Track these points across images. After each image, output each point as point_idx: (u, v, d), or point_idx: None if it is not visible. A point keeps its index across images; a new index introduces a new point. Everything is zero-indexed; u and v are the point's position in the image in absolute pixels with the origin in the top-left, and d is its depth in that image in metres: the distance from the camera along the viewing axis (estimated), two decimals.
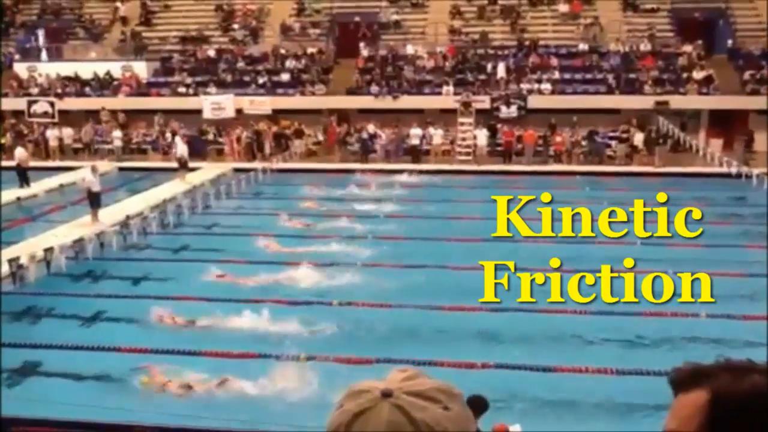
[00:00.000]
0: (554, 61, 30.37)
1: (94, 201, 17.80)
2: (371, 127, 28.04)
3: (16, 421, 3.75)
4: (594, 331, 11.22)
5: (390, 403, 1.00)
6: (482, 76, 29.92)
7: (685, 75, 29.08)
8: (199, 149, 16.51)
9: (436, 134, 27.95)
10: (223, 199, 21.88)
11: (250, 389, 9.31)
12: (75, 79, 31.65)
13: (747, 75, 28.92)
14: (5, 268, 13.43)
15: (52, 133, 29.01)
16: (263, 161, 26.89)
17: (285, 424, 8.41)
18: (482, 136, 27.45)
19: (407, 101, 29.04)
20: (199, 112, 29.14)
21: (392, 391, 1.01)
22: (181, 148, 24.67)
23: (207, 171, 25.70)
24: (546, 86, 29.17)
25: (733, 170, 24.14)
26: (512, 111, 28.41)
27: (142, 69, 31.95)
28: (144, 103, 30.32)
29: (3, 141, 28.72)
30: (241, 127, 28.94)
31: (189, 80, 31.08)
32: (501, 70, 29.77)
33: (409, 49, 31.57)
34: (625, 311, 11.89)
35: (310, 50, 32.21)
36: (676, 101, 28.03)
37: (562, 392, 9.36)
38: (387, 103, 29.09)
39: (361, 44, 32.01)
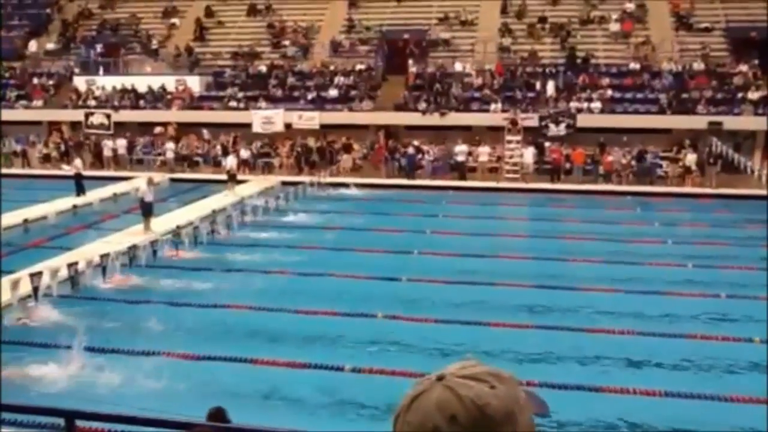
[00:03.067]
0: (605, 80, 30.06)
1: (147, 210, 18.26)
2: (416, 143, 28.15)
3: (82, 414, 3.87)
4: (643, 353, 10.98)
5: (442, 385, 1.10)
6: (531, 94, 29.78)
7: (740, 95, 28.47)
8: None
9: (483, 152, 27.88)
10: (270, 211, 22.16)
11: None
12: (131, 92, 32.53)
13: None
14: (63, 272, 13.83)
15: (107, 144, 29.87)
16: (311, 175, 27.18)
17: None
18: (529, 154, 27.30)
19: (454, 118, 29.06)
20: (249, 125, 29.65)
21: (445, 375, 1.12)
22: (230, 161, 25.14)
23: (255, 183, 26.10)
24: (596, 105, 28.87)
25: None
26: (561, 129, 28.18)
27: (195, 83, 32.69)
28: (196, 117, 30.97)
29: (52, 152, 29.76)
30: (290, 141, 29.35)
31: (240, 95, 31.66)
32: (550, 88, 29.59)
33: (458, 67, 31.63)
34: (675, 333, 11.68)
35: (358, 66, 32.52)
36: (730, 122, 27.44)
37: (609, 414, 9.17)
38: (434, 119, 29.16)
39: (410, 61, 32.18)
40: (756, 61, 29.68)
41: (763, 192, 24.34)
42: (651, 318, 12.50)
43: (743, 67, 29.57)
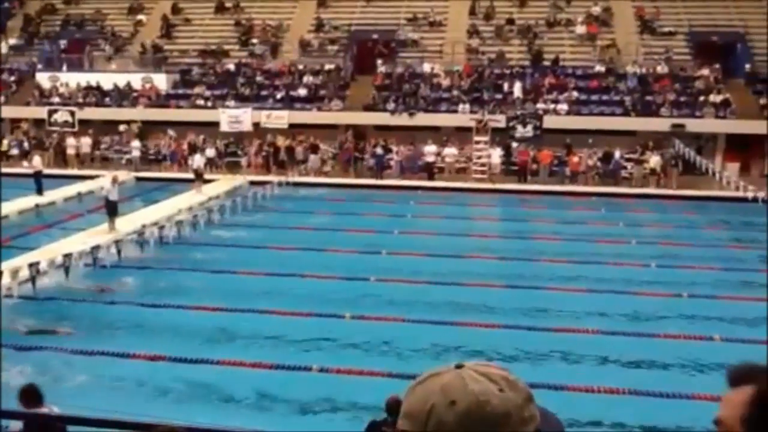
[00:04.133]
0: (571, 82, 30.44)
1: (112, 210, 18.01)
2: (382, 142, 28.21)
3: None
4: (608, 352, 11.15)
5: (456, 372, 1.14)
6: (498, 95, 30.02)
7: (702, 98, 29.05)
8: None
9: (451, 152, 28.04)
10: (239, 211, 22.02)
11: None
12: (96, 89, 32.04)
13: (765, 99, 28.85)
14: (25, 272, 13.57)
15: (71, 143, 29.37)
16: (279, 175, 27.06)
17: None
18: (496, 154, 27.54)
19: (423, 119, 29.17)
20: (216, 124, 29.41)
21: (464, 365, 1.15)
22: (198, 160, 24.91)
23: (223, 183, 25.90)
24: (562, 107, 29.22)
25: (750, 195, 24.03)
26: (528, 130, 28.46)
27: (161, 81, 32.31)
28: (163, 115, 30.62)
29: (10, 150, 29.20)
30: (258, 141, 29.20)
31: (208, 93, 31.39)
32: (517, 90, 29.87)
33: (426, 67, 31.77)
34: (637, 332, 11.89)
35: (327, 66, 32.46)
36: (693, 124, 27.99)
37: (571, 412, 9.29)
38: (403, 120, 29.24)
39: (379, 61, 32.23)
40: (717, 65, 30.32)
41: (723, 193, 24.90)
42: (615, 317, 12.70)
43: (705, 71, 30.18)
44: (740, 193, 24.35)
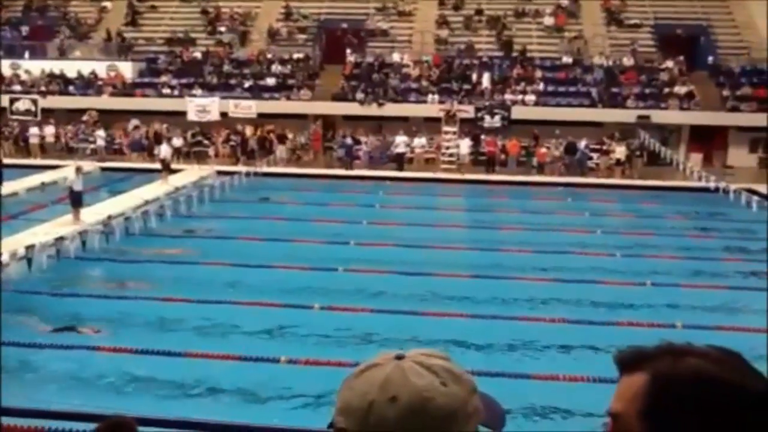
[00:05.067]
0: (538, 73, 30.66)
1: (76, 200, 17.71)
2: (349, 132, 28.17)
3: None
4: (573, 340, 11.31)
5: (396, 364, 1.08)
6: (467, 86, 30.13)
7: (666, 90, 29.49)
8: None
9: (420, 142, 28.11)
10: (206, 201, 21.83)
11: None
12: (59, 77, 31.44)
13: (727, 91, 29.41)
14: None
15: (33, 132, 28.81)
16: (247, 165, 26.87)
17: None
18: (464, 145, 27.67)
19: (392, 109, 29.17)
20: (183, 113, 29.07)
21: (404, 356, 1.10)
22: (164, 150, 24.61)
23: (190, 173, 25.64)
24: (530, 97, 29.44)
25: (712, 185, 24.51)
26: (496, 121, 28.63)
27: (127, 69, 31.82)
28: (128, 104, 30.18)
29: None
30: (226, 130, 28.94)
31: (174, 82, 31.00)
32: (486, 81, 30.00)
33: (395, 57, 31.74)
34: (602, 321, 12.07)
35: (296, 55, 32.26)
36: (658, 116, 28.42)
37: (536, 399, 9.42)
38: (372, 110, 29.21)
39: (348, 51, 32.12)
40: (682, 58, 30.79)
41: (687, 184, 25.35)
42: (581, 306, 12.87)
43: (670, 63, 30.64)
44: (703, 183, 24.80)
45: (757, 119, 27.88)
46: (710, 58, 31.30)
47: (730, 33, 32.54)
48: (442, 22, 33.57)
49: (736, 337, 10.76)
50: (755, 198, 22.46)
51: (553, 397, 9.36)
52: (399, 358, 1.09)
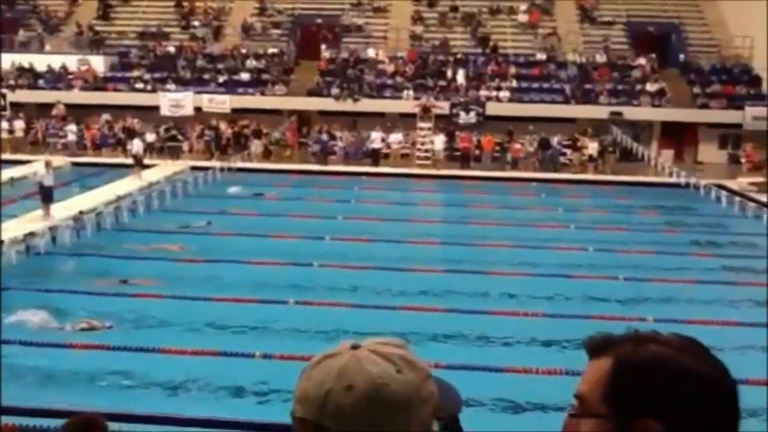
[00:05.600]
0: (512, 70, 30.84)
1: (46, 195, 17.45)
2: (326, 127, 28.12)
3: None
4: (546, 334, 11.42)
5: (352, 353, 1.10)
6: (442, 82, 30.21)
7: (638, 87, 29.84)
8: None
9: (395, 138, 28.14)
10: (179, 197, 21.64)
11: None
12: (28, 71, 30.92)
13: (697, 89, 29.84)
14: None
15: (2, 126, 28.30)
16: (221, 160, 26.69)
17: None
18: (439, 141, 27.76)
19: (367, 104, 29.15)
20: (156, 108, 28.77)
21: (360, 346, 1.12)
22: (137, 145, 24.35)
23: (163, 168, 25.39)
24: (504, 94, 29.60)
25: (683, 180, 24.86)
26: (471, 117, 28.76)
27: (99, 63, 31.39)
28: (100, 98, 29.79)
29: None
30: (200, 126, 28.71)
31: (147, 76, 30.66)
32: (460, 77, 30.10)
33: (370, 53, 31.71)
34: (575, 314, 12.19)
35: (270, 50, 32.08)
36: (630, 112, 28.74)
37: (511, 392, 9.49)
38: (347, 105, 29.17)
39: (323, 46, 32.02)
40: (653, 55, 31.16)
41: (659, 179, 25.69)
42: (554, 300, 13.00)
43: (642, 61, 30.99)
44: (674, 179, 25.15)
45: (727, 116, 28.36)
46: (681, 56, 31.72)
47: (701, 31, 33.01)
48: (417, 18, 33.60)
49: (706, 331, 10.94)
50: (724, 193, 22.83)
51: (528, 390, 9.44)
52: (355, 347, 1.12)
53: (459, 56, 31.61)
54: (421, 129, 28.02)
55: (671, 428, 1.05)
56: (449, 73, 30.55)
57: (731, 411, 1.09)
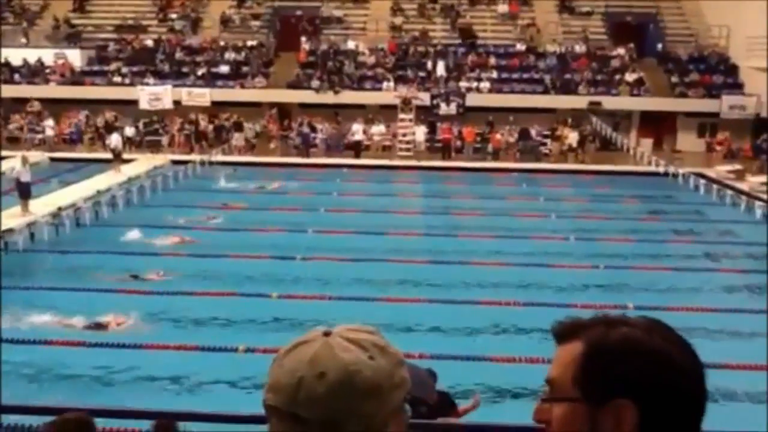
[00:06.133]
0: (492, 61, 30.89)
1: (24, 191, 17.25)
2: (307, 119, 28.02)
3: None
4: (529, 322, 11.50)
5: (324, 340, 1.10)
6: (422, 74, 30.20)
7: (617, 77, 30.02)
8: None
9: (377, 130, 28.11)
10: (159, 191, 21.49)
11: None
12: (4, 65, 30.47)
13: (675, 78, 30.08)
14: None
15: None
16: (202, 153, 26.52)
17: None
18: (420, 132, 27.78)
19: (348, 96, 29.07)
20: (135, 102, 28.51)
21: (332, 332, 1.12)
22: (115, 139, 24.10)
23: (143, 162, 25.19)
24: (484, 85, 29.65)
25: (661, 169, 25.09)
26: (452, 108, 28.80)
27: (76, 57, 31.01)
28: (78, 92, 29.45)
29: None
30: (180, 119, 28.50)
31: (125, 70, 30.35)
32: (441, 68, 30.10)
33: (350, 45, 31.60)
34: (557, 303, 12.29)
35: (250, 43, 31.87)
36: (609, 102, 28.92)
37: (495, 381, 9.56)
38: (328, 97, 29.07)
39: (303, 38, 31.86)
40: (632, 45, 31.36)
41: (638, 168, 25.91)
42: (536, 289, 13.08)
43: (620, 51, 31.18)
44: (653, 168, 25.38)
45: (704, 105, 28.63)
46: (659, 46, 31.95)
47: (678, 21, 33.25)
48: (397, 9, 33.52)
49: (685, 317, 11.09)
50: (702, 182, 23.09)
51: (512, 379, 9.51)
52: (327, 334, 1.12)
53: (439, 47, 31.61)
54: (402, 120, 28.02)
55: (644, 408, 1.06)
56: (429, 65, 30.54)
57: (700, 391, 1.11)
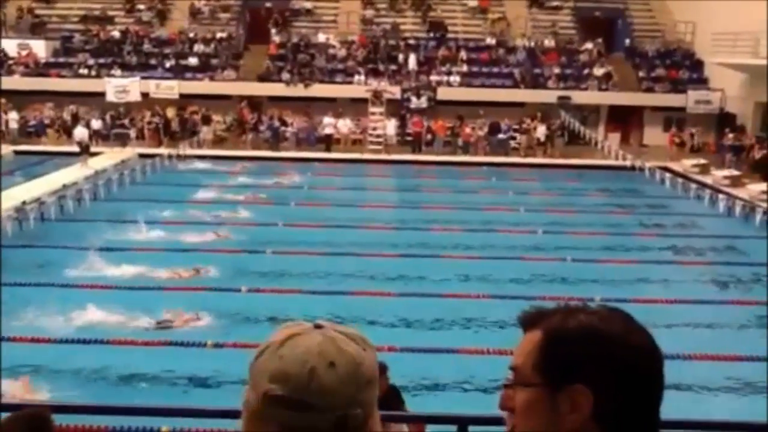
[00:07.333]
0: (463, 54, 31.00)
1: None
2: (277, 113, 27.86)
3: None
4: (498, 315, 11.60)
5: (321, 333, 1.15)
6: (393, 67, 30.19)
7: (586, 71, 30.33)
8: None
9: (345, 123, 28.06)
10: (126, 185, 21.23)
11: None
12: None
13: (642, 73, 30.48)
14: None
15: None
16: (170, 147, 26.24)
17: None
18: (391, 126, 27.80)
19: (319, 89, 28.97)
20: (102, 95, 28.09)
21: (323, 325, 1.17)
22: (81, 132, 23.75)
23: (110, 156, 24.84)
24: (455, 78, 29.75)
25: (629, 163, 25.43)
26: (422, 102, 28.85)
27: (40, 48, 30.45)
28: (43, 84, 28.93)
29: None
30: (148, 112, 28.15)
31: (92, 62, 29.87)
32: (412, 62, 30.13)
33: (321, 38, 31.47)
34: (526, 295, 12.41)
35: (219, 35, 31.58)
36: (578, 96, 29.22)
37: (465, 373, 9.64)
38: (298, 90, 28.93)
39: (273, 30, 31.65)
40: (600, 40, 31.68)
41: (605, 162, 26.22)
42: (504, 282, 13.20)
43: (589, 45, 31.49)
44: (621, 162, 25.71)
45: (671, 99, 29.07)
46: (627, 41, 32.33)
47: (645, 16, 33.67)
48: (368, 3, 33.44)
49: (652, 309, 11.27)
50: (668, 175, 23.46)
51: (482, 371, 9.59)
52: (318, 326, 1.16)
53: (410, 41, 31.62)
54: (373, 114, 28.00)
55: (600, 393, 1.10)
56: (400, 58, 30.54)
57: (656, 378, 1.15)
